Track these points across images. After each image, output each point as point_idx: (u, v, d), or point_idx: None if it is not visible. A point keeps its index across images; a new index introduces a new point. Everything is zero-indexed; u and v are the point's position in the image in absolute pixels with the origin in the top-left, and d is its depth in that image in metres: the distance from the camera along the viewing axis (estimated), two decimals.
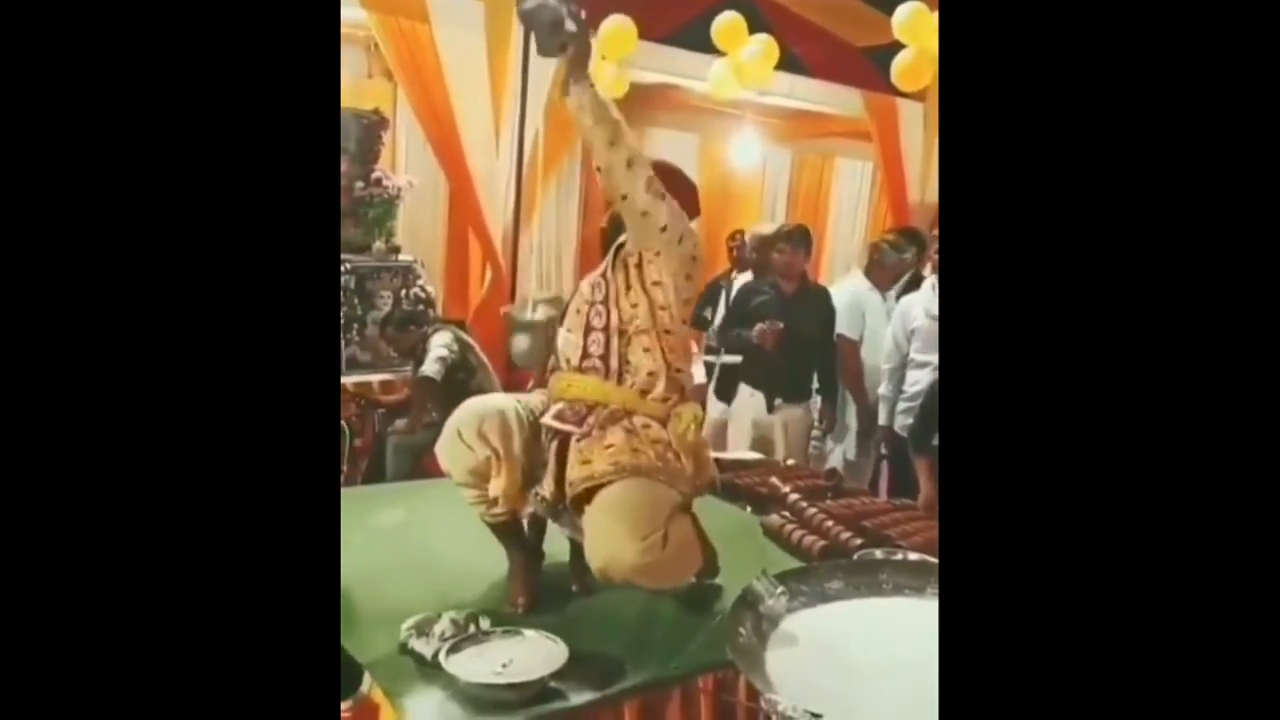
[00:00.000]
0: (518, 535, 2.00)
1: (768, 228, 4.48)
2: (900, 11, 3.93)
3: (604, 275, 1.91)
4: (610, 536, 1.68)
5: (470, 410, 1.86)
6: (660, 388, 1.85)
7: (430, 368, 3.59)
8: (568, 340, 1.93)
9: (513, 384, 4.21)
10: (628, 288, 1.86)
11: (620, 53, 4.49)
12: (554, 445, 1.85)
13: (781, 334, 3.43)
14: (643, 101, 5.62)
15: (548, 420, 1.87)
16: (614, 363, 1.86)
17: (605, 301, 1.88)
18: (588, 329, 1.89)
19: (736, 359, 3.73)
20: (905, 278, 4.22)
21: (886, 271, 4.18)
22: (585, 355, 1.88)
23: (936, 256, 3.83)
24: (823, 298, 3.78)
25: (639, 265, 1.85)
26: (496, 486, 1.82)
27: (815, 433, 3.94)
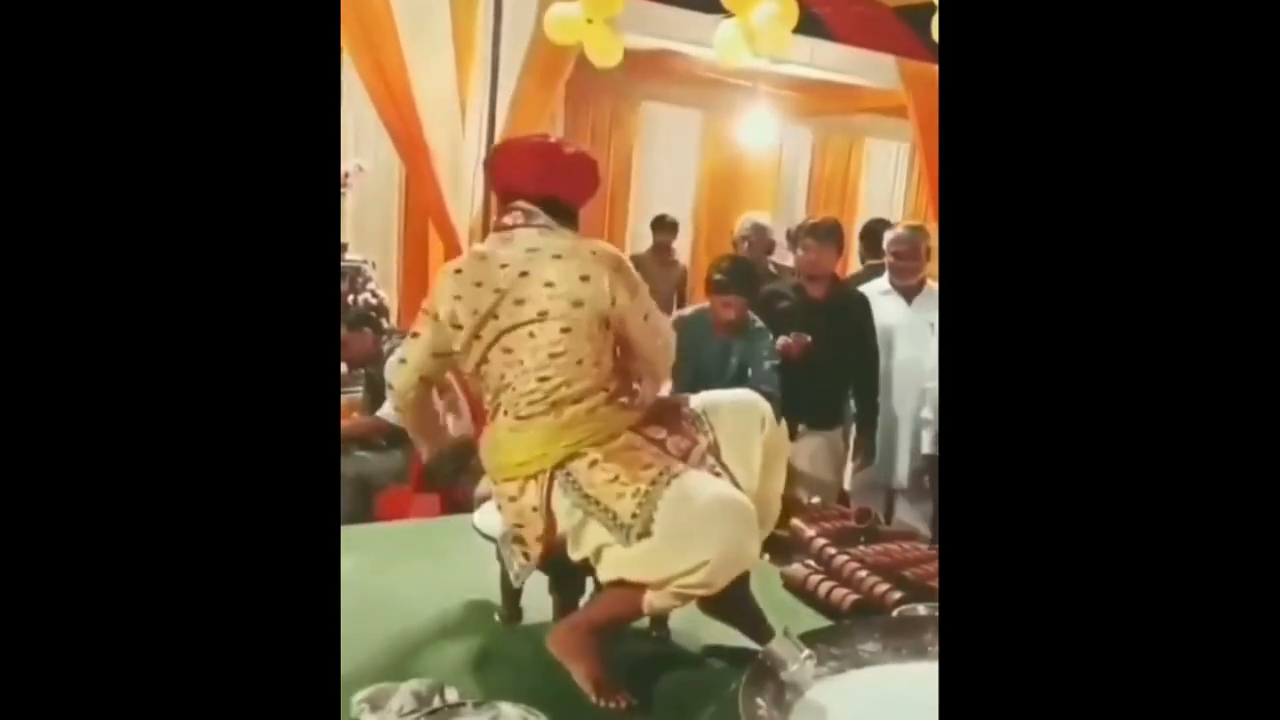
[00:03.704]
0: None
1: (764, 217, 4.46)
2: None
3: None
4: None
5: None
6: None
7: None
8: None
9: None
10: None
11: (605, 10, 4.45)
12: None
13: (809, 349, 3.44)
14: (637, 71, 5.65)
15: None
16: None
17: None
18: None
19: None
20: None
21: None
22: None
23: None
24: (859, 304, 3.78)
25: None
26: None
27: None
